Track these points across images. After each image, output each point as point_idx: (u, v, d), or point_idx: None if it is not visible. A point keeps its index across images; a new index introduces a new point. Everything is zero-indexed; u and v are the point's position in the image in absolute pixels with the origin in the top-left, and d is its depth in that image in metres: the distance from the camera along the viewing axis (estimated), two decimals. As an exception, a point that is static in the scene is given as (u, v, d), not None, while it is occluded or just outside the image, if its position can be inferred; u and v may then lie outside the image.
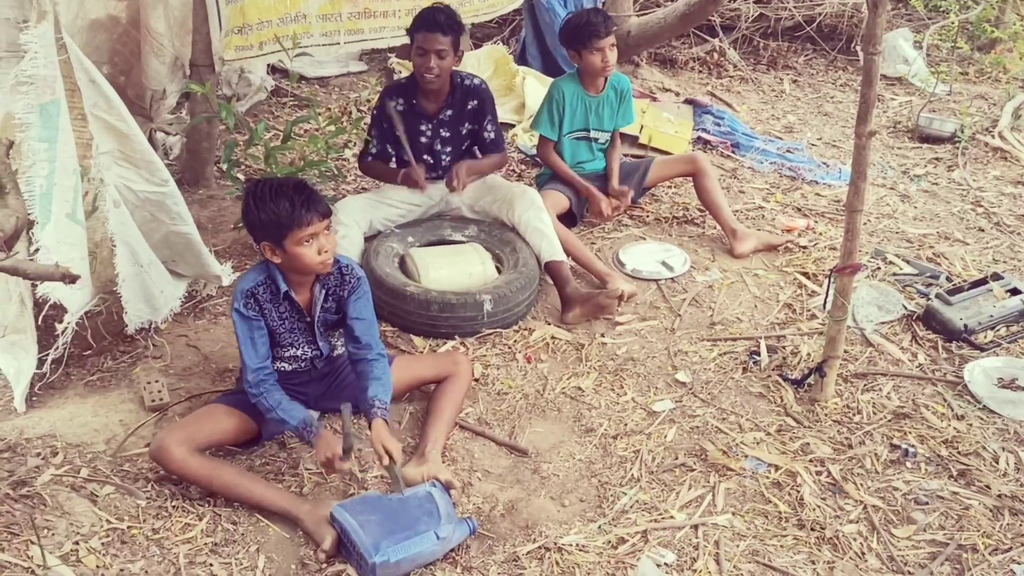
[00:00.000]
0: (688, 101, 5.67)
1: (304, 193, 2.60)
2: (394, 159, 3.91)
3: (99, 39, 3.70)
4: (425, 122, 3.81)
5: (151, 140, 4.28)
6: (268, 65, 5.24)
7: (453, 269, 3.60)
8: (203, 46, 3.92)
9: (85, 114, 2.72)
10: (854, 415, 3.11)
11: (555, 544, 2.57)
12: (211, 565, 2.45)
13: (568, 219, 4.11)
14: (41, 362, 2.93)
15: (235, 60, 4.05)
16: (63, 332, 2.85)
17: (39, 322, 2.93)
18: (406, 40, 3.75)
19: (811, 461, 2.91)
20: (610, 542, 2.59)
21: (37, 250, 2.63)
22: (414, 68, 3.68)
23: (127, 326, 3.14)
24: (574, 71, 4.19)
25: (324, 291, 2.79)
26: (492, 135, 3.92)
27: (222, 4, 3.85)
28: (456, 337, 3.45)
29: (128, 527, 2.51)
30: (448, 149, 3.89)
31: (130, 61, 3.87)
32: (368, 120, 3.98)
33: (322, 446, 2.62)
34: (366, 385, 2.76)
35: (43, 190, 2.54)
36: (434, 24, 3.55)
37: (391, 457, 2.60)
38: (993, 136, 5.40)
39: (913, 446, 2.95)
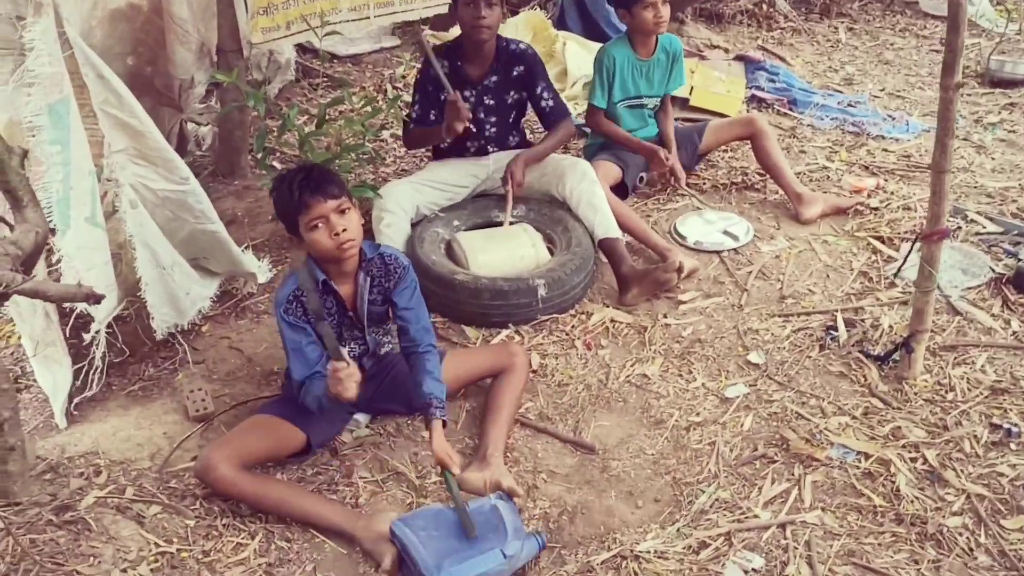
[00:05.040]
0: (739, 57, 5.36)
1: (308, 176, 2.44)
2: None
3: (121, 29, 3.52)
4: (469, 88, 3.57)
5: (182, 131, 4.12)
6: (296, 45, 5.05)
7: (502, 253, 3.39)
8: (229, 30, 3.74)
9: (95, 111, 2.54)
10: (947, 393, 2.86)
11: (631, 552, 2.37)
12: (266, 588, 2.30)
13: (620, 191, 3.86)
14: (78, 373, 2.80)
15: (263, 43, 3.86)
16: (94, 343, 2.70)
17: (67, 333, 2.78)
18: (439, 10, 3.52)
19: (904, 447, 2.66)
20: (691, 547, 2.38)
21: (59, 259, 2.48)
22: (462, 25, 3.46)
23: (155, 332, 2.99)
24: (623, 35, 3.92)
25: (368, 280, 2.61)
26: (551, 102, 3.65)
27: (246, -16, 3.65)
28: (510, 326, 3.25)
29: (177, 550, 2.37)
30: (492, 119, 3.66)
31: (155, 50, 3.69)
32: (409, 93, 3.76)
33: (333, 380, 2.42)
34: (420, 380, 2.61)
35: (60, 195, 2.38)
36: None
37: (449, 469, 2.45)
38: (1071, 75, 5.05)
39: (1016, 424, 2.70)
